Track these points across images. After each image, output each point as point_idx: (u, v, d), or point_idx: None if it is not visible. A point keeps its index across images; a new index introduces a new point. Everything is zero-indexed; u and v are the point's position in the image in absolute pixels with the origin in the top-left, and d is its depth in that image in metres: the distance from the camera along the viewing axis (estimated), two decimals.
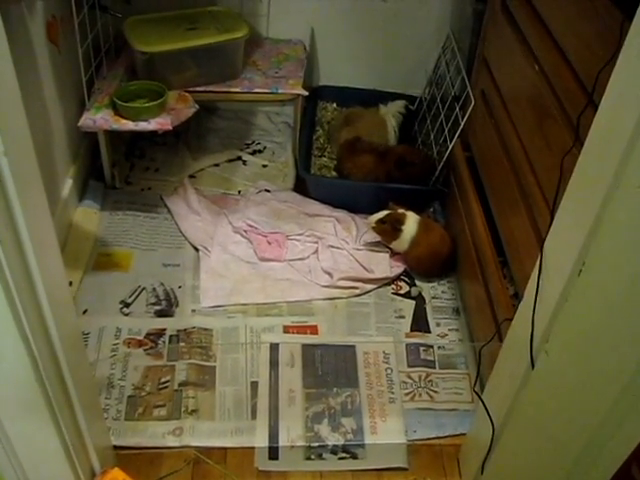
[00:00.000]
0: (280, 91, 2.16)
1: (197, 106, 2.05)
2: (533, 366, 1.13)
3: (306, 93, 2.19)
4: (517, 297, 1.60)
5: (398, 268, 2.04)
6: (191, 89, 2.10)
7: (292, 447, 1.60)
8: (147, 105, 1.94)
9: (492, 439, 1.33)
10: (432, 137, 2.24)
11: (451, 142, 2.05)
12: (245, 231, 2.09)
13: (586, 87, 1.26)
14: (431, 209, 2.22)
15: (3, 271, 0.87)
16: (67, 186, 2.03)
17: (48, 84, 1.86)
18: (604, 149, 0.91)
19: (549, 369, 1.11)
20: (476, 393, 1.43)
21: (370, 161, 2.21)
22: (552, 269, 1.10)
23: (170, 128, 1.94)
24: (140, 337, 1.81)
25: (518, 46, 1.62)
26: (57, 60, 1.90)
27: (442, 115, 2.16)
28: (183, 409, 1.65)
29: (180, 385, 1.70)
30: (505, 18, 1.75)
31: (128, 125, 1.93)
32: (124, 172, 2.27)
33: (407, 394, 1.74)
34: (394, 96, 2.46)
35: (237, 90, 2.15)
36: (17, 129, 0.85)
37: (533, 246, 1.46)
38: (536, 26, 1.53)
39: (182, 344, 1.79)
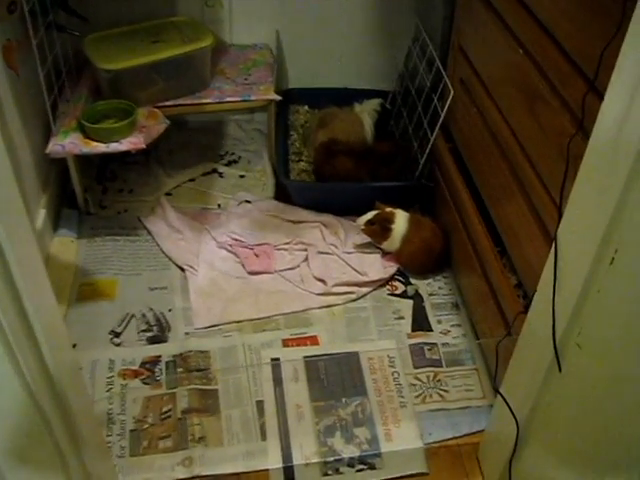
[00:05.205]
0: (252, 98, 2.10)
1: (168, 121, 1.98)
2: (558, 360, 1.09)
3: (279, 98, 2.13)
4: (521, 286, 1.56)
5: (391, 268, 2.00)
6: (160, 104, 2.03)
7: (307, 464, 1.54)
8: (117, 125, 1.86)
9: (517, 437, 1.29)
10: (411, 131, 2.20)
11: (432, 135, 2.00)
12: (230, 245, 2.03)
13: (580, 66, 1.22)
14: (418, 205, 2.18)
15: None
16: (40, 217, 1.93)
17: (10, 112, 1.76)
18: (623, 124, 0.87)
19: (579, 363, 1.07)
20: (497, 392, 1.39)
21: (349, 162, 2.15)
22: (571, 258, 1.06)
23: (144, 147, 1.87)
24: (135, 367, 1.73)
25: (497, 31, 1.59)
26: (17, 86, 1.81)
27: (419, 108, 2.12)
28: (190, 438, 1.58)
29: (183, 413, 1.63)
30: (480, 3, 1.71)
31: (99, 148, 1.85)
32: (97, 196, 2.18)
33: (417, 396, 1.69)
34: (367, 93, 2.42)
35: (208, 101, 2.08)
36: None
37: (534, 233, 1.43)
38: (516, 8, 1.49)
39: (180, 369, 1.72)
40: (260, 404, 1.66)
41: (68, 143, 1.84)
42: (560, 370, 1.09)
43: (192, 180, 2.28)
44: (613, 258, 0.89)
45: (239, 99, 2.09)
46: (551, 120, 1.35)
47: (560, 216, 1.13)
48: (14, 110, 1.79)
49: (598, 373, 1.01)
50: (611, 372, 0.98)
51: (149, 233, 2.09)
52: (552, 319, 1.09)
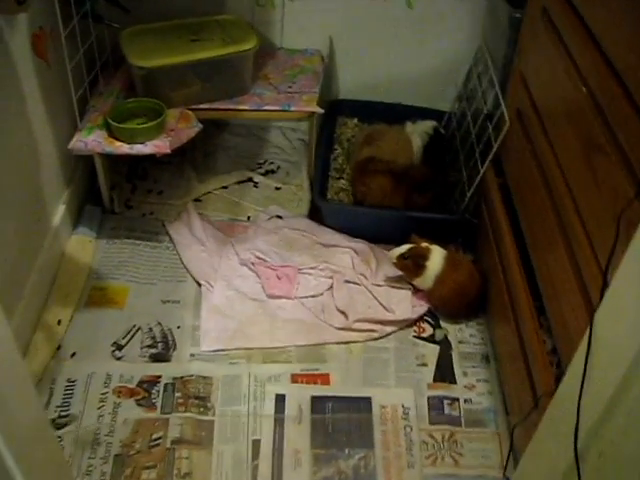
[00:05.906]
0: (292, 109, 1.95)
1: (201, 125, 1.86)
2: (578, 470, 0.91)
3: (321, 111, 1.98)
4: (555, 353, 1.38)
5: (421, 307, 1.83)
6: (194, 106, 1.91)
7: None
8: (143, 126, 1.76)
9: None
10: (462, 159, 2.02)
11: (482, 166, 1.83)
12: (253, 263, 1.90)
13: None
14: (459, 240, 2.00)
15: None
16: (59, 213, 1.85)
17: (34, 103, 1.68)
18: None
19: (600, 470, 0.90)
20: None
21: (385, 184, 1.98)
22: (606, 353, 0.88)
23: (168, 152, 1.75)
24: (132, 385, 1.63)
25: (561, 63, 1.40)
26: (46, 76, 1.73)
27: (473, 135, 1.94)
28: (175, 472, 1.46)
29: (173, 443, 1.51)
30: (546, 29, 1.52)
31: (123, 148, 1.74)
32: (125, 195, 2.09)
33: (428, 457, 1.53)
34: (421, 111, 2.24)
35: (245, 108, 1.95)
36: None
37: (575, 297, 1.26)
38: (584, 41, 1.30)
39: (178, 394, 1.61)
40: (256, 443, 1.53)
41: (91, 140, 1.75)
42: None
43: (225, 187, 2.16)
44: None
45: (278, 108, 1.95)
46: (608, 176, 1.16)
47: (605, 284, 0.96)
48: (39, 101, 1.71)
49: None
50: None
51: (171, 240, 1.98)
52: (576, 419, 0.92)
